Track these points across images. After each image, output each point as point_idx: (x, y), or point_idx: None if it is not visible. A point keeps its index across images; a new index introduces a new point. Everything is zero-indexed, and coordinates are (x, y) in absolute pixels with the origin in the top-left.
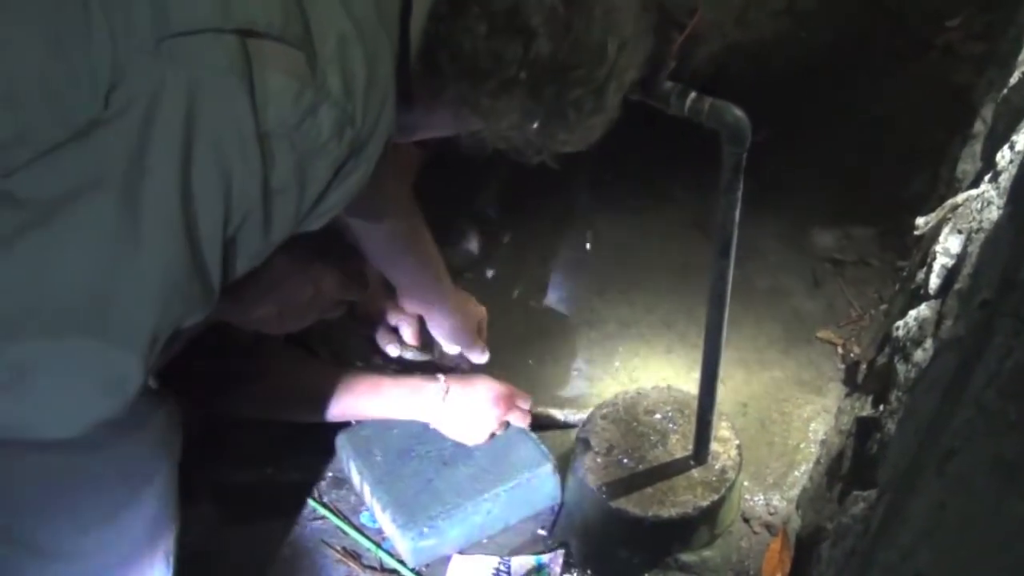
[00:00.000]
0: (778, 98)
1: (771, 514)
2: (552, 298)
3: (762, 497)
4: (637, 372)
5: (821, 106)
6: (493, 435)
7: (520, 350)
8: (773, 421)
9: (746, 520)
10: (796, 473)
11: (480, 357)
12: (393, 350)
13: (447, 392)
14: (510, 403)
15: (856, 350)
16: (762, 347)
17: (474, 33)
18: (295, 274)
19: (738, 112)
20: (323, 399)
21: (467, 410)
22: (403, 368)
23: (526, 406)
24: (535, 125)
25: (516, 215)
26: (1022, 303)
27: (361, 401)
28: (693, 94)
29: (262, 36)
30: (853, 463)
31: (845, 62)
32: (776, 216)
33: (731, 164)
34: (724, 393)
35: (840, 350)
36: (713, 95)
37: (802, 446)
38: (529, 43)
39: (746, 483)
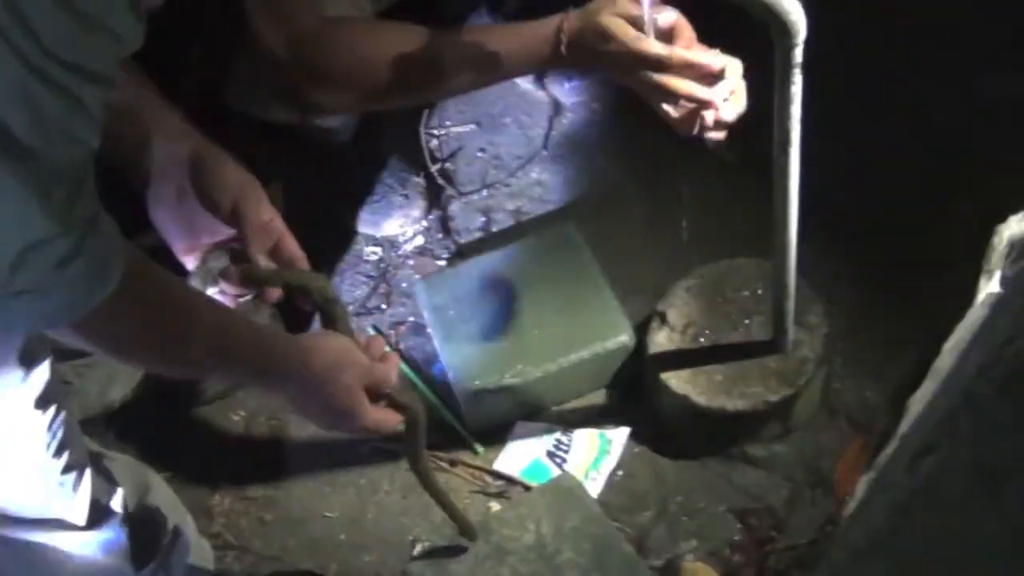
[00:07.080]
0: None
1: (861, 409)
2: None
3: (856, 386)
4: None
5: None
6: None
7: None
8: (889, 299)
9: (831, 412)
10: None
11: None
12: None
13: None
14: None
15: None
16: (893, 214)
17: None
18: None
19: (789, 4)
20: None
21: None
22: None
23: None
24: None
25: None
26: None
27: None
28: None
29: None
30: None
31: None
32: (931, 54)
33: (783, 59)
34: (843, 263)
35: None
36: None
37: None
38: None
39: (840, 367)
